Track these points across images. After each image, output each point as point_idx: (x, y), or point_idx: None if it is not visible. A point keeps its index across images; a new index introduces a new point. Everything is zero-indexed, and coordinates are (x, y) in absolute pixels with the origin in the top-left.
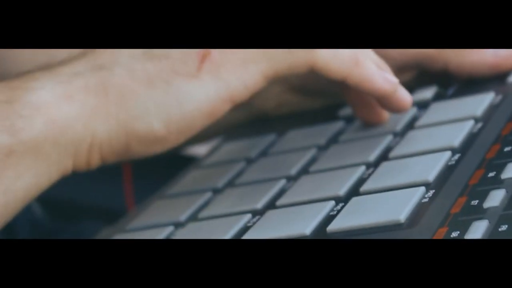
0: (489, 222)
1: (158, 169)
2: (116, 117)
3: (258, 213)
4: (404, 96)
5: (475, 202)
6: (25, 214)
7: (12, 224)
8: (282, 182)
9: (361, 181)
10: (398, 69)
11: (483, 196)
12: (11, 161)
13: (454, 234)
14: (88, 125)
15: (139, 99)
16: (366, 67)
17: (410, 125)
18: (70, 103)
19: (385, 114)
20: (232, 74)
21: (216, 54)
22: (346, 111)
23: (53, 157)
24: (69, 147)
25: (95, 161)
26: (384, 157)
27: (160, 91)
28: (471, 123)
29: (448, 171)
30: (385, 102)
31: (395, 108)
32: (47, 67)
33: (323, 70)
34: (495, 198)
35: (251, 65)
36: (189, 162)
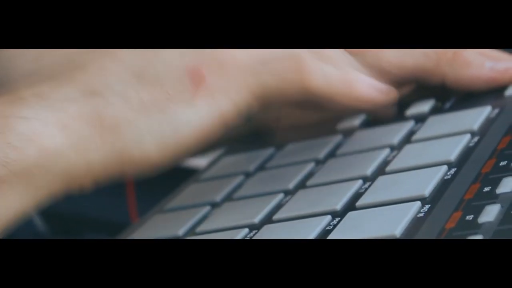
0: (484, 237)
1: (160, 181)
2: (111, 146)
3: (255, 228)
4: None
5: (470, 217)
6: (26, 227)
7: (12, 237)
8: (279, 197)
9: (358, 195)
10: (396, 83)
11: (478, 211)
12: (1, 191)
13: None
14: (82, 154)
15: (135, 128)
16: (358, 87)
17: (407, 139)
18: (64, 133)
19: None
20: (226, 98)
21: (210, 78)
22: (344, 124)
23: (44, 184)
24: (61, 175)
25: (88, 185)
26: (381, 171)
27: (156, 120)
28: (467, 137)
29: (444, 185)
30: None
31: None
32: (38, 93)
33: (316, 95)
34: (490, 213)
35: (245, 90)
36: (191, 174)
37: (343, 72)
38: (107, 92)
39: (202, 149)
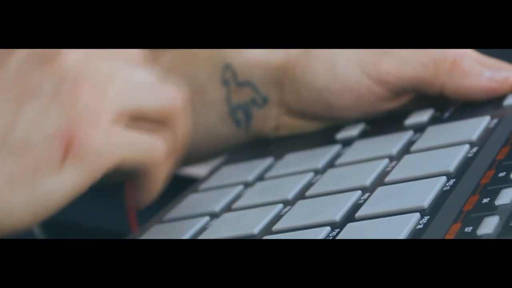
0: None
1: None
2: None
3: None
4: None
5: (469, 229)
6: (25, 237)
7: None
8: (278, 207)
9: (357, 206)
10: (395, 94)
11: (477, 223)
12: None
13: None
14: None
15: (4, 203)
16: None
17: (406, 149)
18: None
19: None
20: (93, 163)
21: (76, 145)
22: (343, 134)
23: None
24: None
25: None
26: (380, 181)
27: (24, 192)
28: (466, 147)
29: (443, 196)
30: None
31: None
32: None
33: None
34: (489, 225)
35: (110, 155)
36: (191, 183)
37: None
38: None
39: (207, 153)
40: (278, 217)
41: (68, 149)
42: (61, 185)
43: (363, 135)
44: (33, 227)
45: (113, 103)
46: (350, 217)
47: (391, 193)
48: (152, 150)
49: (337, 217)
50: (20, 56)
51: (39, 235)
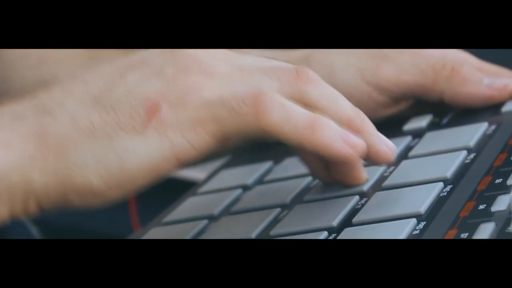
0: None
1: (159, 193)
2: (54, 167)
3: None
4: (381, 151)
5: (465, 235)
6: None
7: None
8: (277, 211)
9: (354, 211)
10: (394, 100)
11: (473, 229)
12: None
13: None
14: (25, 174)
15: (79, 151)
16: (323, 133)
17: (404, 155)
18: (8, 151)
19: (362, 175)
20: (178, 134)
21: (166, 111)
22: None
23: None
24: (4, 196)
25: (33, 210)
26: (377, 187)
27: (101, 145)
28: (464, 153)
29: (439, 202)
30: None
31: (372, 161)
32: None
33: (274, 135)
34: (485, 231)
35: (199, 127)
36: (190, 186)
37: (311, 116)
38: (58, 111)
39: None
40: (276, 221)
41: (152, 116)
42: (138, 147)
43: None
44: (32, 229)
45: (206, 90)
46: (347, 222)
47: (388, 198)
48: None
49: (335, 222)
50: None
51: (37, 237)
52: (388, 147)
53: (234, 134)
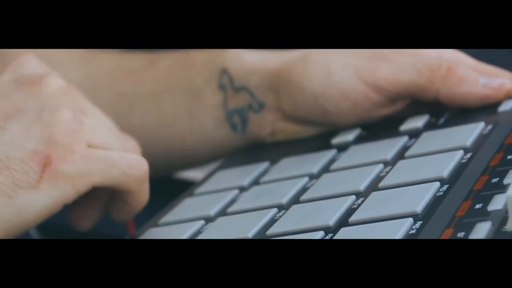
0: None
1: (157, 193)
2: None
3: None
4: None
5: (461, 234)
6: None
7: None
8: (273, 212)
9: (351, 211)
10: (391, 100)
11: (469, 229)
12: None
13: None
14: None
15: None
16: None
17: (401, 155)
18: None
19: None
20: (69, 184)
21: (56, 162)
22: (339, 139)
23: None
24: None
25: None
26: (374, 187)
27: (1, 202)
28: (460, 153)
29: (436, 202)
30: None
31: None
32: None
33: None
34: (481, 231)
35: (86, 178)
36: (188, 186)
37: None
38: None
39: (204, 157)
40: (272, 222)
41: (44, 168)
42: (37, 201)
43: (359, 140)
44: (29, 230)
45: (89, 131)
46: (344, 222)
47: (385, 198)
48: (131, 168)
49: (331, 221)
50: (5, 78)
51: (35, 237)
52: None
53: (105, 182)
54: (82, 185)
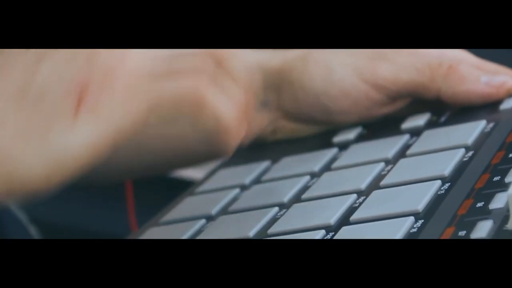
0: None
1: (157, 192)
2: None
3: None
4: None
5: (462, 233)
6: (21, 238)
7: None
8: (274, 210)
9: (352, 210)
10: (391, 98)
11: (471, 227)
12: None
13: None
14: None
15: (14, 157)
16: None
17: (402, 153)
18: None
19: None
20: (113, 111)
21: (93, 91)
22: (340, 137)
23: None
24: None
25: None
26: (375, 185)
27: (37, 143)
28: (461, 151)
29: (437, 200)
30: None
31: None
32: None
33: (204, 107)
34: (483, 229)
35: (130, 101)
36: (188, 186)
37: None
38: None
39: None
40: (273, 220)
41: (81, 100)
42: (75, 138)
43: (360, 138)
44: (30, 229)
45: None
46: (345, 220)
47: (386, 196)
48: (182, 97)
49: (332, 220)
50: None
51: (35, 236)
52: None
53: (169, 103)
54: (127, 111)
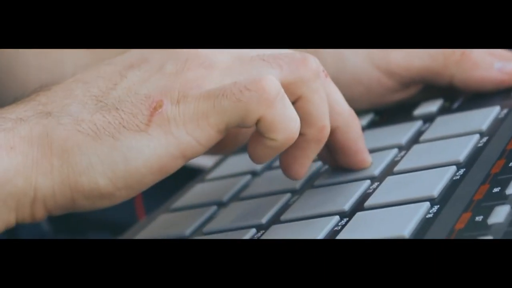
0: (494, 238)
1: (167, 180)
2: (59, 170)
3: (262, 228)
4: (362, 160)
5: (479, 218)
6: (30, 226)
7: (16, 236)
8: (287, 196)
9: (366, 196)
10: (404, 85)
11: (487, 212)
12: None
13: None
14: (30, 179)
15: (84, 153)
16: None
17: (415, 139)
18: (12, 155)
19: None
20: (182, 129)
21: (168, 107)
22: None
23: None
24: (9, 201)
25: (40, 214)
26: (389, 171)
27: (106, 146)
28: (476, 137)
29: (453, 186)
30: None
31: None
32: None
33: (269, 125)
34: (500, 214)
35: (202, 120)
36: (198, 173)
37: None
38: (61, 113)
39: (220, 148)
40: (286, 207)
41: (154, 113)
42: (143, 146)
43: (372, 125)
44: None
45: (214, 82)
46: (359, 206)
47: (400, 182)
48: (246, 91)
49: (346, 206)
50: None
51: (45, 226)
52: (368, 158)
53: (236, 124)
54: (198, 130)
